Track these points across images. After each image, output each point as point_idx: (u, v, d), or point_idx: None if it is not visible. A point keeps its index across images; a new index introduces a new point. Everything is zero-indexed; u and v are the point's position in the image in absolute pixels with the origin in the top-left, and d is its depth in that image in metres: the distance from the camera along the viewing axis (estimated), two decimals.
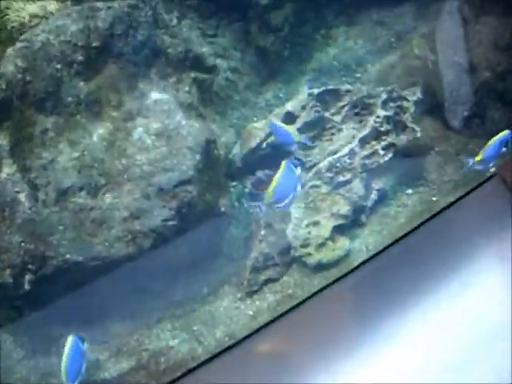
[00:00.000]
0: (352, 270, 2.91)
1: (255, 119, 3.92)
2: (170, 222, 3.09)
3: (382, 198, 3.56)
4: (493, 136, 3.59)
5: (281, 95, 4.10)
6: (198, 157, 3.16)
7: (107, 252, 3.07)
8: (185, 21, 3.79)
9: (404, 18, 4.33)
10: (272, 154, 3.63)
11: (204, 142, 3.21)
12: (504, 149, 3.03)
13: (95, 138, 3.19)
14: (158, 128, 3.20)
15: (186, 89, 3.47)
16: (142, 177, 3.11)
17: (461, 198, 2.82)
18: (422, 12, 4.21)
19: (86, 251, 3.05)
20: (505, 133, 3.02)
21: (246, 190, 3.64)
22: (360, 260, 3.08)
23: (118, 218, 3.09)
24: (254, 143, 3.65)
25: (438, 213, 2.98)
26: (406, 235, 2.90)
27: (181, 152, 3.14)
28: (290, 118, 3.57)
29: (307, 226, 3.34)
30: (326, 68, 4.16)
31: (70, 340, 2.65)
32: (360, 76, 4.10)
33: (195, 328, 3.29)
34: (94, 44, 3.28)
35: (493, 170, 3.33)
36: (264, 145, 3.64)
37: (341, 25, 4.39)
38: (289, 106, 3.62)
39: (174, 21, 3.61)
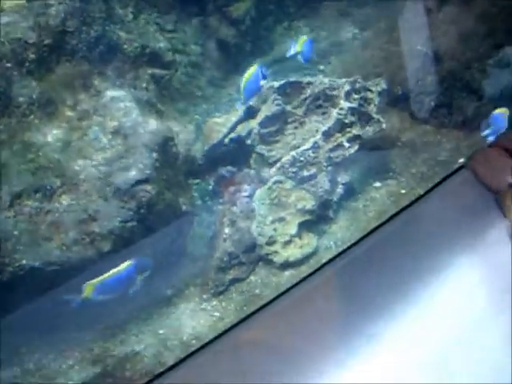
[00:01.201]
0: (319, 269, 2.89)
1: (218, 114, 3.89)
2: (129, 223, 3.07)
3: (350, 192, 3.56)
4: (460, 126, 3.65)
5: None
6: (155, 155, 3.16)
7: (65, 256, 3.04)
8: (141, 16, 3.77)
9: (367, 9, 4.35)
10: (235, 150, 3.61)
11: (161, 139, 3.21)
12: None
13: (50, 138, 3.17)
14: (114, 126, 3.18)
15: (144, 85, 3.47)
16: (98, 177, 3.10)
17: (429, 190, 2.84)
18: (385, 2, 4.23)
19: (43, 256, 3.01)
20: None
21: (209, 187, 3.61)
22: (328, 257, 3.06)
23: (76, 220, 3.06)
24: (215, 139, 3.63)
25: (407, 206, 2.98)
26: (374, 230, 2.90)
27: (138, 150, 3.13)
28: (251, 112, 3.55)
29: (272, 222, 3.33)
30: (288, 60, 4.16)
31: None
32: (323, 68, 4.12)
33: (161, 332, 3.26)
34: (46, 41, 3.25)
35: (461, 161, 3.37)
36: (226, 140, 3.60)
37: (304, 17, 4.41)
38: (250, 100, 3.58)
39: (130, 16, 3.59)
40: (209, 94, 4.09)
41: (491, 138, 3.11)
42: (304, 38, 3.59)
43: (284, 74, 3.99)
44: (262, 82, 3.42)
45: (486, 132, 3.17)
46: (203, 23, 4.08)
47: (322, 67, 4.10)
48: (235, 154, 3.64)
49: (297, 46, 3.54)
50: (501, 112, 3.23)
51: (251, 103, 3.59)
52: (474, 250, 2.56)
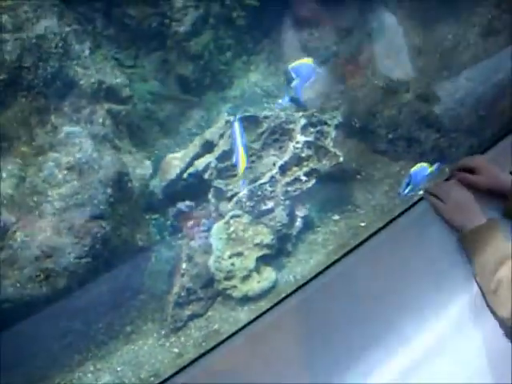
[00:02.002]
0: (280, 302, 2.95)
1: (177, 149, 3.97)
2: (84, 260, 3.11)
3: (308, 226, 3.62)
4: (418, 158, 3.74)
5: (202, 124, 4.18)
6: (109, 191, 3.22)
7: (20, 293, 3.06)
8: (99, 51, 3.84)
9: (326, 42, 4.47)
10: (193, 184, 3.68)
11: (116, 174, 3.27)
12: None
13: (4, 174, 3.20)
14: (69, 162, 3.24)
15: (100, 121, 3.53)
16: (53, 213, 3.14)
17: (390, 221, 2.93)
18: (343, 35, 4.36)
19: None
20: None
21: (168, 223, 3.67)
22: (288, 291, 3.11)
23: (30, 257, 3.09)
24: (174, 174, 3.70)
25: (369, 238, 3.06)
26: (336, 261, 2.97)
27: (92, 186, 3.18)
28: (208, 146, 3.63)
29: (230, 257, 3.38)
30: (247, 95, 4.26)
31: None
32: (281, 102, 4.21)
33: (119, 369, 3.28)
34: (2, 77, 3.29)
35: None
36: (185, 175, 3.67)
37: (263, 50, 4.51)
38: (207, 135, 3.68)
39: (87, 52, 3.66)
40: (168, 128, 4.16)
41: (410, 194, 3.19)
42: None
43: (244, 108, 4.08)
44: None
45: (407, 191, 3.24)
46: (162, 58, 4.15)
47: (280, 101, 4.19)
48: (193, 189, 3.70)
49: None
50: (420, 168, 3.32)
51: (207, 138, 3.64)
52: (439, 281, 2.64)
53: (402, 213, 2.97)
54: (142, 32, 4.11)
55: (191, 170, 3.65)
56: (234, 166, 3.31)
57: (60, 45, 3.49)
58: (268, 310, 2.86)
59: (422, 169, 3.35)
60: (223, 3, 4.19)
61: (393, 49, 4.00)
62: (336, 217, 3.65)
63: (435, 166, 3.32)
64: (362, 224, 3.60)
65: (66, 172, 3.22)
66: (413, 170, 3.34)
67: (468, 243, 2.36)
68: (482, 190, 2.48)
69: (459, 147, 3.77)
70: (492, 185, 2.45)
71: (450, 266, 2.55)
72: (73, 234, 3.13)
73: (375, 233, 2.95)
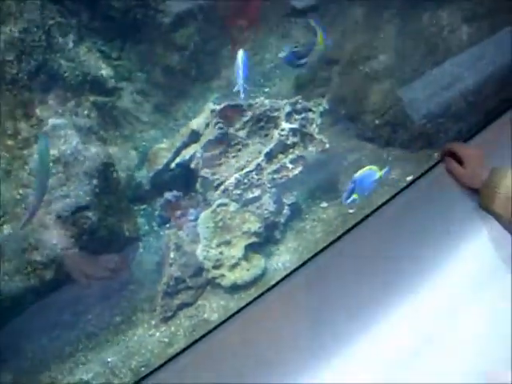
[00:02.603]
0: (270, 288, 2.97)
1: (164, 140, 3.98)
2: (71, 251, 3.12)
3: (296, 213, 3.63)
4: (405, 144, 3.75)
5: (190, 114, 4.19)
6: (95, 181, 3.24)
7: (7, 286, 3.08)
8: (84, 44, 3.86)
9: (312, 30, 4.47)
10: (180, 174, 3.70)
11: (101, 166, 3.29)
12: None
13: None
14: (54, 154, 3.26)
15: (86, 113, 3.55)
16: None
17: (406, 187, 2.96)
18: (329, 21, 4.37)
19: None
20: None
21: (156, 213, 3.69)
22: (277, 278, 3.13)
23: (17, 249, 3.11)
24: (160, 164, 3.72)
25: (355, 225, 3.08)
26: (324, 249, 2.99)
27: (77, 178, 3.21)
28: (195, 136, 3.65)
29: (218, 246, 3.40)
30: (234, 84, 4.26)
31: None
32: (268, 90, 4.23)
33: (109, 359, 3.29)
34: None
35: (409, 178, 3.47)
36: (173, 165, 3.69)
37: (247, 40, 4.51)
38: (193, 125, 3.69)
39: (71, 44, 3.68)
40: (155, 120, 4.18)
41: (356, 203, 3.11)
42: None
43: (230, 97, 4.09)
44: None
45: (350, 200, 3.12)
46: (148, 50, 4.16)
47: (267, 89, 4.21)
48: (181, 179, 3.72)
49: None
50: (367, 172, 3.16)
51: (193, 127, 3.66)
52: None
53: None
54: (127, 24, 4.12)
55: (178, 160, 3.66)
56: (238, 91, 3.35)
57: (43, 38, 3.51)
58: (258, 296, 2.88)
59: (370, 173, 3.17)
60: None
61: (377, 35, 3.99)
62: (324, 204, 3.66)
63: (385, 170, 3.18)
64: (351, 211, 3.60)
65: (51, 164, 3.22)
66: (358, 174, 3.14)
67: (485, 194, 2.59)
68: (464, 184, 2.72)
69: (447, 132, 3.77)
70: (472, 182, 2.68)
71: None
72: (59, 226, 3.12)
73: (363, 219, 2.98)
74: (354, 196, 3.11)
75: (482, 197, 2.63)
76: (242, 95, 3.26)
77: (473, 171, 2.64)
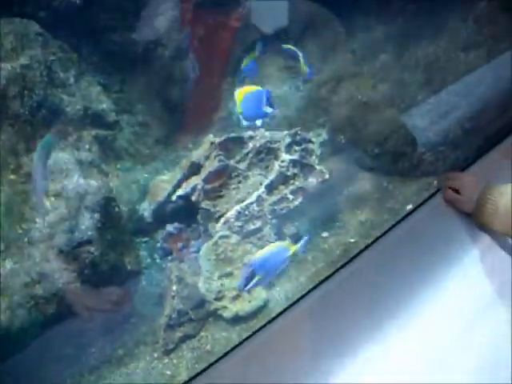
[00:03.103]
0: (274, 319, 2.97)
1: (166, 172, 4.01)
2: (73, 285, 3.14)
3: (297, 244, 3.62)
4: (405, 172, 3.78)
5: (190, 146, 4.22)
6: (96, 216, 3.26)
7: (10, 320, 3.10)
8: (85, 78, 3.91)
9: (310, 59, 4.53)
10: (181, 207, 3.72)
11: (102, 200, 3.32)
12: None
13: None
14: (56, 189, 3.29)
15: (87, 147, 3.59)
16: (41, 240, 3.17)
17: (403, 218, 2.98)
18: (325, 54, 4.42)
19: None
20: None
21: (158, 245, 3.71)
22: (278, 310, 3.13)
23: (19, 283, 3.13)
24: (162, 197, 3.74)
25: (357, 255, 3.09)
26: (326, 279, 3.00)
27: (79, 212, 3.23)
28: (195, 168, 3.68)
29: (220, 278, 3.41)
30: (234, 116, 4.31)
31: None
32: (269, 121, 4.26)
33: None
34: None
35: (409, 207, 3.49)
36: (174, 197, 3.72)
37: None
38: (194, 157, 3.72)
39: (72, 79, 3.73)
40: (157, 152, 4.21)
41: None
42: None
43: (231, 129, 4.13)
44: (268, 110, 3.27)
45: (250, 285, 3.02)
46: (149, 82, 4.20)
47: (267, 120, 4.23)
48: (182, 211, 3.74)
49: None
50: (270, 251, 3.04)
51: (194, 160, 3.69)
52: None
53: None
54: (127, 57, 4.15)
55: (179, 192, 3.68)
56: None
57: (45, 73, 3.55)
58: (260, 328, 2.89)
59: (277, 252, 3.01)
60: (206, 26, 4.21)
61: (375, 65, 4.04)
62: (325, 234, 3.68)
63: (301, 243, 3.08)
64: (352, 240, 3.62)
65: (53, 199, 3.25)
66: (258, 255, 2.97)
67: (480, 213, 2.63)
68: (461, 209, 2.80)
69: (446, 160, 3.80)
70: (468, 207, 2.75)
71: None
72: (61, 260, 3.14)
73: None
74: (257, 279, 2.96)
75: (476, 215, 2.69)
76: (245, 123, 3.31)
77: (468, 197, 2.71)
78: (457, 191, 2.82)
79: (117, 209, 3.46)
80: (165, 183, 3.78)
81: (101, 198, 3.34)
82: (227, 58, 4.43)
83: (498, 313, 2.61)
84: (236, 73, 4.44)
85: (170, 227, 3.65)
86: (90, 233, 3.24)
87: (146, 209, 3.84)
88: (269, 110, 3.23)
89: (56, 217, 3.23)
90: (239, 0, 4.32)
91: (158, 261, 3.73)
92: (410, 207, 3.65)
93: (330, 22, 4.45)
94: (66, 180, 3.31)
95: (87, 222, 3.24)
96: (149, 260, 3.73)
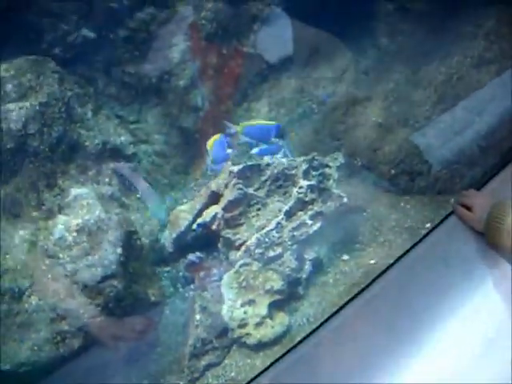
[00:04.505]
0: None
1: (185, 201, 4.03)
2: (98, 319, 3.16)
3: (318, 268, 3.65)
4: (422, 191, 3.77)
5: (209, 173, 4.23)
6: (119, 250, 3.29)
7: (37, 356, 3.13)
8: (102, 111, 3.95)
9: (322, 82, 4.55)
10: (202, 235, 3.74)
11: (124, 234, 3.34)
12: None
13: (16, 240, 3.30)
14: (78, 224, 3.32)
15: (107, 180, 3.62)
16: (65, 275, 3.21)
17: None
18: (338, 75, 4.43)
19: (14, 358, 3.10)
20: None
21: (180, 274, 3.73)
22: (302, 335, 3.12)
23: (45, 319, 3.17)
24: (182, 226, 3.76)
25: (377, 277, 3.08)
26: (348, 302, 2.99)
27: (102, 247, 3.26)
28: (214, 197, 3.69)
29: (242, 305, 3.41)
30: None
31: None
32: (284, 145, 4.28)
33: None
34: (9, 146, 3.43)
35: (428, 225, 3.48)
36: (194, 226, 3.73)
37: (262, 96, 4.59)
38: (213, 186, 3.74)
39: (89, 114, 3.78)
40: (175, 181, 4.23)
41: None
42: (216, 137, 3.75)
43: (249, 155, 4.14)
44: (229, 151, 3.71)
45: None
46: (165, 112, 4.24)
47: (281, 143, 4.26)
48: (203, 240, 3.76)
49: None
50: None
51: (213, 188, 3.71)
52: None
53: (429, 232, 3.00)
54: (143, 88, 4.19)
55: (199, 220, 3.69)
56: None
57: (63, 109, 3.60)
58: (283, 355, 2.88)
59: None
60: (220, 53, 4.24)
61: (388, 85, 4.04)
62: (345, 257, 3.67)
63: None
64: (372, 262, 3.60)
65: (75, 234, 3.30)
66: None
67: (490, 232, 2.56)
68: (474, 228, 2.69)
69: (462, 178, 3.79)
70: (480, 226, 2.64)
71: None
72: (86, 295, 3.17)
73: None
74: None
75: (486, 233, 2.68)
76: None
77: (479, 216, 2.68)
78: (470, 209, 2.81)
79: (138, 242, 3.49)
80: (184, 212, 3.80)
81: (122, 231, 3.35)
82: (235, 88, 4.45)
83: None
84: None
85: (191, 256, 3.68)
86: (113, 267, 3.26)
87: (167, 239, 3.83)
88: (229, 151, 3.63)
89: (79, 252, 3.25)
90: (245, 31, 4.32)
91: (180, 290, 3.74)
92: (428, 226, 3.64)
93: (335, 46, 4.44)
94: (88, 215, 3.34)
95: (110, 256, 3.27)
96: (172, 289, 3.75)
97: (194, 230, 3.75)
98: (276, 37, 4.45)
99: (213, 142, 3.71)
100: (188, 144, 4.26)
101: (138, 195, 4.02)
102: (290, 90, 4.55)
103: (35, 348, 3.13)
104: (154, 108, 4.27)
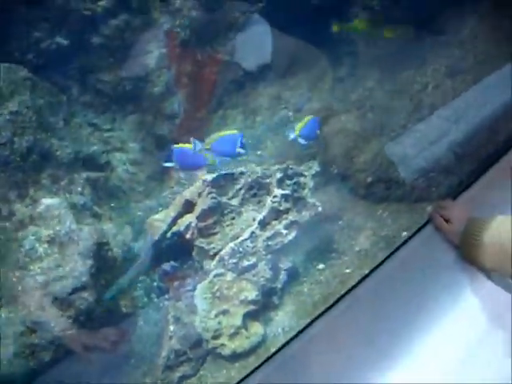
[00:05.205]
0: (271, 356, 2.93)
1: (160, 209, 3.98)
2: (69, 332, 3.10)
3: (293, 277, 3.61)
4: (399, 199, 3.74)
5: (184, 181, 4.18)
6: (90, 262, 3.23)
7: (6, 370, 3.06)
8: (74, 119, 3.89)
9: (299, 90, 4.51)
10: (177, 244, 3.68)
11: (95, 245, 3.28)
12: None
13: None
14: (49, 235, 3.26)
15: (79, 190, 3.56)
16: (36, 287, 3.14)
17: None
18: (315, 83, 4.39)
19: None
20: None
21: (154, 284, 3.67)
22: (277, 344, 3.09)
23: (15, 333, 3.09)
24: (156, 235, 3.70)
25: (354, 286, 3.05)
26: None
27: (73, 258, 3.20)
28: (188, 206, 3.64)
29: (216, 316, 3.37)
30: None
31: None
32: (261, 153, 4.24)
33: None
34: None
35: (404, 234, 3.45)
36: (168, 235, 3.68)
37: (238, 104, 4.55)
38: (187, 195, 3.69)
39: (61, 123, 3.71)
40: (150, 188, 4.17)
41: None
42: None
43: (224, 162, 4.09)
44: (240, 150, 3.58)
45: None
46: (139, 120, 4.18)
47: (259, 152, 4.22)
48: (177, 249, 3.71)
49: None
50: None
51: (187, 197, 3.66)
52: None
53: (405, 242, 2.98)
54: (118, 95, 4.13)
55: (174, 229, 3.62)
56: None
57: (34, 118, 3.51)
58: (259, 366, 2.85)
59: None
60: (195, 60, 4.20)
61: (364, 93, 4.01)
62: (321, 266, 3.64)
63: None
64: (348, 271, 3.58)
65: (46, 246, 3.23)
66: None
67: (464, 247, 2.55)
68: (450, 240, 2.67)
69: (439, 186, 3.76)
70: (456, 237, 2.63)
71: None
72: (56, 308, 3.10)
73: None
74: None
75: (462, 249, 2.65)
76: None
77: (457, 228, 2.65)
78: (447, 221, 2.77)
79: (110, 253, 3.43)
80: (159, 221, 3.73)
81: (93, 242, 3.28)
82: (211, 95, 4.41)
83: (492, 345, 2.55)
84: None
85: (165, 266, 3.63)
86: (83, 279, 3.19)
87: (141, 248, 3.76)
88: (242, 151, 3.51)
89: (49, 264, 3.19)
90: (221, 38, 4.29)
91: (155, 300, 3.69)
92: (404, 234, 3.61)
93: (311, 54, 4.42)
94: (59, 226, 3.27)
95: (81, 268, 3.21)
96: (146, 299, 3.69)
97: (169, 239, 3.68)
98: (252, 44, 4.40)
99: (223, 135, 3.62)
100: (163, 152, 4.19)
101: (112, 204, 3.93)
102: (267, 98, 4.49)
103: (4, 362, 3.04)
104: (129, 116, 4.20)
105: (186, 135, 4.13)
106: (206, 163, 3.44)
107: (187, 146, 3.46)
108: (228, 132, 3.64)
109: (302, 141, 3.80)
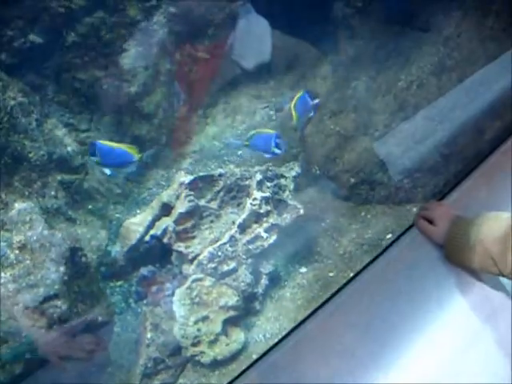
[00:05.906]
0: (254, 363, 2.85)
1: (138, 211, 3.87)
2: (42, 342, 2.98)
3: (275, 282, 3.55)
4: (383, 200, 3.65)
5: (163, 183, 4.07)
6: (62, 268, 3.11)
7: None
8: (49, 120, 3.76)
9: (281, 90, 4.41)
10: (155, 248, 3.59)
11: (68, 251, 3.16)
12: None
13: None
14: (20, 241, 3.13)
15: (53, 193, 3.44)
16: (7, 296, 3.01)
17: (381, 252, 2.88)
18: (296, 81, 4.30)
19: None
20: None
21: (132, 289, 3.57)
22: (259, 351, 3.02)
23: None
24: (134, 239, 3.60)
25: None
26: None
27: (44, 265, 3.08)
28: (166, 209, 3.54)
29: (195, 323, 3.29)
30: (206, 149, 4.19)
31: None
32: (241, 153, 4.14)
33: None
34: None
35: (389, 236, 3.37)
36: (146, 239, 3.57)
37: (218, 102, 4.44)
38: (164, 197, 3.58)
39: (34, 124, 3.56)
40: (128, 190, 4.06)
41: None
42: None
43: (204, 162, 3.99)
44: (275, 150, 3.55)
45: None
46: (117, 120, 4.06)
47: (240, 152, 4.12)
48: (155, 253, 3.62)
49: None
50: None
51: (164, 200, 3.55)
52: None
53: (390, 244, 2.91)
54: (94, 95, 4.00)
55: (151, 233, 3.51)
56: None
57: (5, 119, 3.37)
58: (240, 374, 2.76)
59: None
60: (172, 59, 4.08)
61: (346, 92, 3.91)
62: (303, 269, 3.56)
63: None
64: (331, 274, 3.51)
65: (17, 252, 3.09)
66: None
67: (449, 247, 2.55)
68: (435, 241, 2.67)
69: (424, 187, 3.68)
70: (441, 239, 2.62)
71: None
72: (28, 317, 2.98)
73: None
74: None
75: (446, 249, 2.59)
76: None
77: (441, 230, 2.60)
78: (431, 222, 2.71)
79: (84, 259, 3.30)
80: (136, 225, 3.63)
81: (66, 249, 3.16)
82: (203, 94, 4.31)
83: (481, 347, 2.49)
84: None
85: (143, 270, 3.53)
86: (56, 286, 3.07)
87: (118, 252, 3.65)
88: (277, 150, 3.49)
89: (21, 271, 3.06)
90: (199, 36, 4.17)
91: (133, 305, 3.60)
92: (389, 236, 3.53)
93: (295, 51, 4.32)
94: (30, 231, 3.14)
95: (53, 276, 3.08)
96: (123, 305, 3.59)
97: (146, 243, 3.57)
98: (253, 44, 4.28)
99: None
100: (141, 153, 4.07)
101: (90, 206, 3.81)
102: (248, 97, 4.39)
103: None
104: (106, 116, 4.06)
105: (163, 135, 4.03)
106: (133, 160, 3.29)
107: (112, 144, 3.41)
108: (265, 130, 3.68)
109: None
